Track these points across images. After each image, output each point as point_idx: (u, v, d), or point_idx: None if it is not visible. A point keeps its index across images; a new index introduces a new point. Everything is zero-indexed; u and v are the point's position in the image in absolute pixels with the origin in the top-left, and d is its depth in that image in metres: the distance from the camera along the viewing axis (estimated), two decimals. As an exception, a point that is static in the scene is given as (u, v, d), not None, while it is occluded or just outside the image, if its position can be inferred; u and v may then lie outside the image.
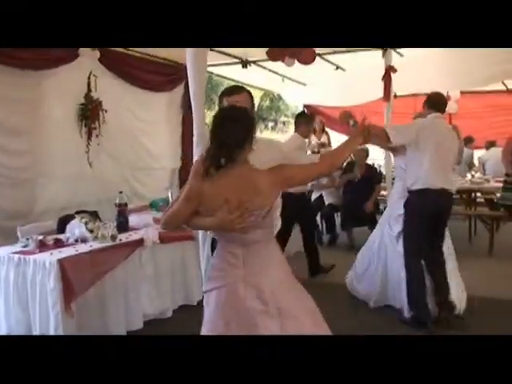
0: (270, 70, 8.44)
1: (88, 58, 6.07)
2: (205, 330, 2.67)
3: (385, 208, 7.67)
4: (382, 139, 4.50)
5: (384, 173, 7.71)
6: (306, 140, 9.77)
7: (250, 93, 3.11)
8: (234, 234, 2.52)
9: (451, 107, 10.45)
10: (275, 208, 2.70)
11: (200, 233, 3.81)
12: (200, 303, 2.91)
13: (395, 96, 8.74)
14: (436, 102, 4.90)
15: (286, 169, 2.58)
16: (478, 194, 8.82)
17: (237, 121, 2.53)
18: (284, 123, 25.71)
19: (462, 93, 10.33)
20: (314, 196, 8.60)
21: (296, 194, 5.70)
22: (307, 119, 6.61)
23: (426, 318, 4.68)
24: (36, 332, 4.12)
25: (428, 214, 4.66)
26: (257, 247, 2.59)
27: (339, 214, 8.38)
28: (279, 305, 2.56)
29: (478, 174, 9.20)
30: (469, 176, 9.33)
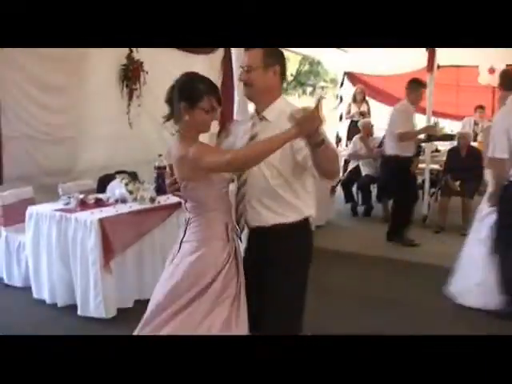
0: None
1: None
2: None
3: (423, 181, 7.65)
4: None
5: (423, 146, 7.61)
6: (354, 109, 9.76)
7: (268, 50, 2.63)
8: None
9: (495, 80, 10.20)
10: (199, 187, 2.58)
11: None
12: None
13: (438, 67, 8.59)
14: None
15: (199, 150, 2.47)
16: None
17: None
18: (322, 88, 25.37)
19: (507, 66, 10.06)
20: (350, 166, 8.55)
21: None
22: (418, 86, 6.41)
23: None
24: (77, 287, 4.26)
25: None
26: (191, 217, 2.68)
27: (376, 185, 8.31)
28: None
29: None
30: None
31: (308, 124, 2.20)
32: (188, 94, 2.51)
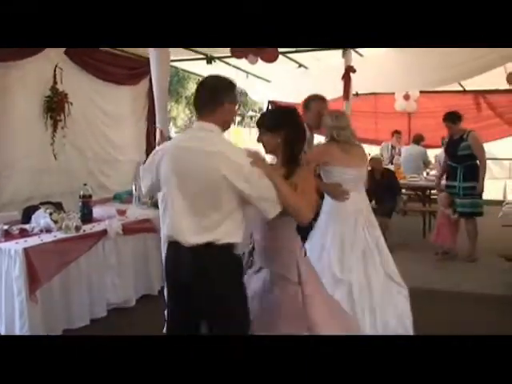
0: (234, 67, 8.58)
1: (54, 50, 6.12)
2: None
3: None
4: None
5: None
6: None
7: None
8: None
9: (410, 106, 10.80)
10: None
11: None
12: (161, 292, 3.07)
13: (356, 94, 9.03)
14: None
15: None
16: (433, 191, 9.14)
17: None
18: (251, 118, 25.77)
19: (420, 92, 10.67)
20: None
21: None
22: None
23: None
24: (1, 318, 4.22)
25: None
26: None
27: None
28: None
29: (433, 172, 9.53)
30: (424, 174, 9.66)
31: None
32: None
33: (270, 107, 11.36)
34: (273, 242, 2.98)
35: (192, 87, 22.07)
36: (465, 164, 6.85)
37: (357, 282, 4.15)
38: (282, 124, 2.95)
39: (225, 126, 2.82)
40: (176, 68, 9.05)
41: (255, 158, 2.63)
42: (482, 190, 6.90)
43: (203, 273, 2.61)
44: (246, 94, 13.19)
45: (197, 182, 2.61)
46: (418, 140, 10.07)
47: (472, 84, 9.92)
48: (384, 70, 7.89)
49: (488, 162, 7.43)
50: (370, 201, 7.42)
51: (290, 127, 2.96)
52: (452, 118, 7.04)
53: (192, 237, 2.61)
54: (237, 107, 2.88)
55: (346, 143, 4.40)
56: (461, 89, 10.49)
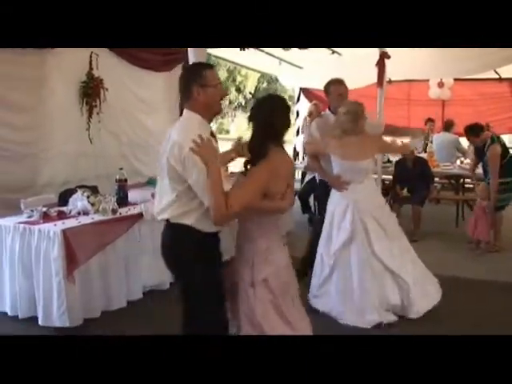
0: (267, 53, 8.58)
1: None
2: (275, 319, 2.89)
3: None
4: None
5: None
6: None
7: None
8: (279, 215, 2.90)
9: (444, 94, 10.66)
10: None
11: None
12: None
13: (390, 81, 8.94)
14: None
15: None
16: (468, 180, 9.02)
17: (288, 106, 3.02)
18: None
19: (455, 80, 10.52)
20: (307, 178, 8.77)
21: None
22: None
23: None
24: (39, 298, 4.33)
25: None
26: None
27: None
28: None
29: (467, 160, 9.37)
30: (458, 162, 9.50)
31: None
32: None
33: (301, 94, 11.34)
34: (242, 234, 2.99)
35: (222, 75, 22.10)
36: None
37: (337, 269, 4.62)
38: (252, 116, 2.93)
39: (207, 110, 2.89)
40: (209, 54, 9.06)
41: (203, 145, 2.67)
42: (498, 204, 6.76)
43: (163, 244, 3.01)
44: (277, 81, 13.18)
45: (162, 165, 2.87)
46: (448, 127, 9.86)
47: (508, 72, 9.75)
48: (418, 57, 7.79)
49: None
50: (402, 189, 7.50)
51: (256, 121, 2.91)
52: (476, 130, 6.82)
53: (158, 214, 2.97)
54: (214, 88, 2.87)
55: (351, 134, 4.47)
56: (496, 76, 10.31)
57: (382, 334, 4.10)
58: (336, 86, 5.03)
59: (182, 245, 2.91)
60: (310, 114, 9.88)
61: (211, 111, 2.93)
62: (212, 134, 2.95)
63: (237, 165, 3.36)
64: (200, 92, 2.84)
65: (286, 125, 2.98)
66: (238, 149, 3.28)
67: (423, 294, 4.61)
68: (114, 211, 4.80)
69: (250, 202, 2.71)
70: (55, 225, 4.41)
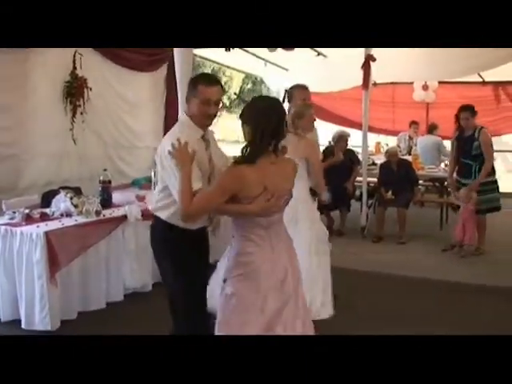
0: (252, 54, 8.56)
1: (74, 36, 6.12)
2: (240, 318, 2.76)
3: (361, 193, 7.95)
4: None
5: (361, 158, 7.93)
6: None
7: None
8: (260, 218, 2.73)
9: (429, 97, 10.72)
10: None
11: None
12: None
13: (375, 84, 8.96)
14: None
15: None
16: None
17: (280, 111, 2.81)
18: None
19: (439, 83, 10.58)
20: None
21: None
22: None
23: None
24: (21, 301, 4.27)
25: None
26: (275, 228, 2.83)
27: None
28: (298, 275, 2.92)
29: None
30: (442, 165, 9.54)
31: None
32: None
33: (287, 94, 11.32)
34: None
35: (208, 75, 21.98)
36: (480, 161, 6.70)
37: None
38: (245, 118, 2.81)
39: (196, 119, 3.07)
40: (194, 55, 9.01)
41: (179, 149, 2.82)
42: (479, 186, 6.75)
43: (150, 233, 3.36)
44: (262, 82, 13.17)
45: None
46: (431, 129, 9.98)
47: (492, 75, 9.83)
48: (403, 60, 7.83)
49: (506, 154, 7.33)
50: (387, 192, 7.50)
51: (248, 122, 2.79)
52: (472, 109, 6.86)
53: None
54: (202, 104, 3.01)
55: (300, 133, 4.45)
56: (480, 80, 10.38)
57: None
58: (300, 92, 4.95)
59: (155, 236, 3.27)
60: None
61: (200, 121, 3.09)
62: (203, 138, 3.10)
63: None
64: (191, 102, 3.07)
65: (279, 131, 2.79)
66: None
67: None
68: (97, 213, 4.75)
69: (207, 205, 2.77)
70: (38, 227, 4.36)
